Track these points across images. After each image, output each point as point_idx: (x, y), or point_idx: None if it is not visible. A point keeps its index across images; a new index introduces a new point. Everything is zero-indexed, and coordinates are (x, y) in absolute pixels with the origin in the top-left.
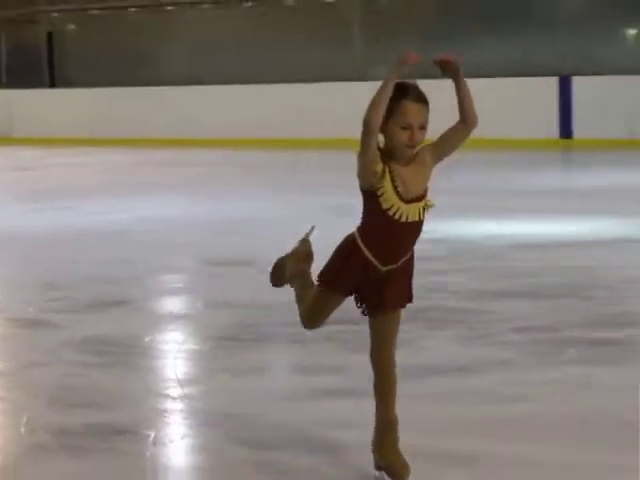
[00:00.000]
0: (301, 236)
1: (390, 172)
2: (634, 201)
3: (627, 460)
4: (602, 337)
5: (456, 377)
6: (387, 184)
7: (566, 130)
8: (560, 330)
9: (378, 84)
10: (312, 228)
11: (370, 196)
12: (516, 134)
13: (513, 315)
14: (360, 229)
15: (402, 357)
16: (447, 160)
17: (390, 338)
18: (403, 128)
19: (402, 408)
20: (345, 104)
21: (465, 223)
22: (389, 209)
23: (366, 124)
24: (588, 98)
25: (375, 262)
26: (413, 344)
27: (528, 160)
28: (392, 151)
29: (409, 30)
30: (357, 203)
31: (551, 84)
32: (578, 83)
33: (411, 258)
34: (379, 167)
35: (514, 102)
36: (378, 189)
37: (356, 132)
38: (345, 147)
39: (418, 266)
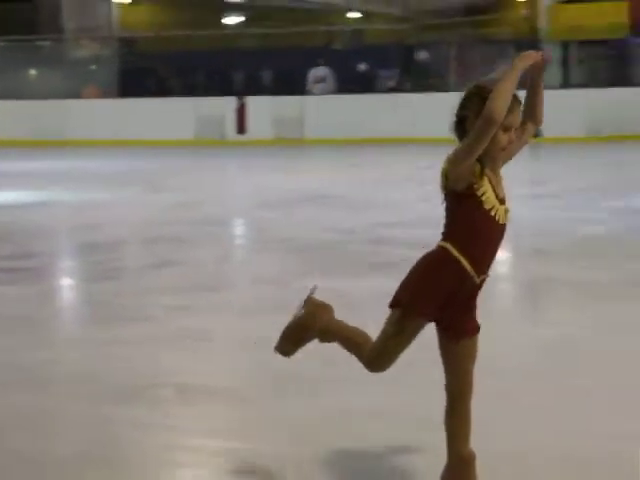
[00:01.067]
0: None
1: (485, 172)
2: (42, 180)
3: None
4: (11, 266)
5: None
6: (486, 184)
7: None
8: None
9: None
10: (314, 287)
11: (466, 198)
12: None
13: None
14: (453, 236)
15: None
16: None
17: (473, 362)
18: (505, 129)
19: None
20: None
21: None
22: (491, 209)
23: (490, 115)
24: None
25: (472, 272)
26: None
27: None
28: (484, 152)
29: None
30: None
31: None
32: None
33: None
34: (477, 166)
35: None
36: (478, 189)
37: None
38: None
39: None
